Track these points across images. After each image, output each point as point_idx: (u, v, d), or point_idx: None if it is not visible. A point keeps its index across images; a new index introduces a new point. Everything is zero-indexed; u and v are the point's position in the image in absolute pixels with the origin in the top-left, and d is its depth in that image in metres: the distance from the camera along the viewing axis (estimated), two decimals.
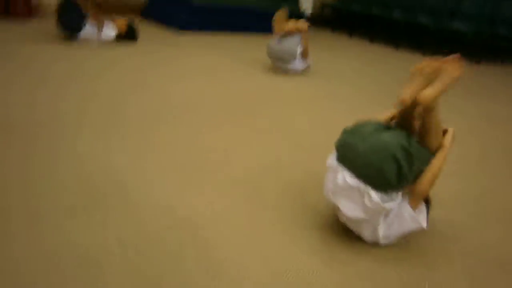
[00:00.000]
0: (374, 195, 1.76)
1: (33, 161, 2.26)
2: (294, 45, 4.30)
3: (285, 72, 4.48)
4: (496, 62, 7.47)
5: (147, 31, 6.32)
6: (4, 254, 1.60)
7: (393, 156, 1.74)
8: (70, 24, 4.82)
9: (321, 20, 8.90)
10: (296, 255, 1.81)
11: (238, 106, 3.52)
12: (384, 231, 1.89)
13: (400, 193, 1.85)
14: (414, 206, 1.88)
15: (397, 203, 1.84)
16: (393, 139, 1.79)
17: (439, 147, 1.92)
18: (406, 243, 1.98)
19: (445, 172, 1.94)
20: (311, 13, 8.58)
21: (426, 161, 1.87)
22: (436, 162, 1.88)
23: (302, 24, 4.30)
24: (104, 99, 3.27)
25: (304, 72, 4.60)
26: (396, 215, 1.87)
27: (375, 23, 8.11)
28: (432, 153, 1.89)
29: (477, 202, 2.48)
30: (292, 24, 4.33)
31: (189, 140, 2.78)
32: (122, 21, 5.14)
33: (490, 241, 2.10)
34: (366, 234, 1.93)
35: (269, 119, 3.34)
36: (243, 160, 2.60)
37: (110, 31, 5.05)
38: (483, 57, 7.32)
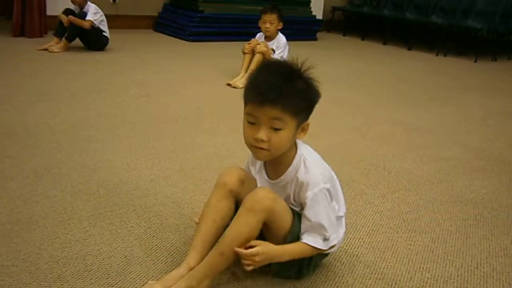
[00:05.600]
0: None
1: None
2: None
3: None
4: None
5: (159, 42, 6.41)
6: None
7: None
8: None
9: (332, 24, 8.89)
10: None
11: None
12: None
13: None
14: None
15: None
16: None
17: None
18: None
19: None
20: (322, 17, 8.56)
21: None
22: None
23: (258, 46, 4.41)
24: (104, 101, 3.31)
25: None
26: None
27: (387, 24, 8.08)
28: None
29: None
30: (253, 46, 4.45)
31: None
32: None
33: None
34: None
35: None
36: None
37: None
38: (498, 54, 7.25)
